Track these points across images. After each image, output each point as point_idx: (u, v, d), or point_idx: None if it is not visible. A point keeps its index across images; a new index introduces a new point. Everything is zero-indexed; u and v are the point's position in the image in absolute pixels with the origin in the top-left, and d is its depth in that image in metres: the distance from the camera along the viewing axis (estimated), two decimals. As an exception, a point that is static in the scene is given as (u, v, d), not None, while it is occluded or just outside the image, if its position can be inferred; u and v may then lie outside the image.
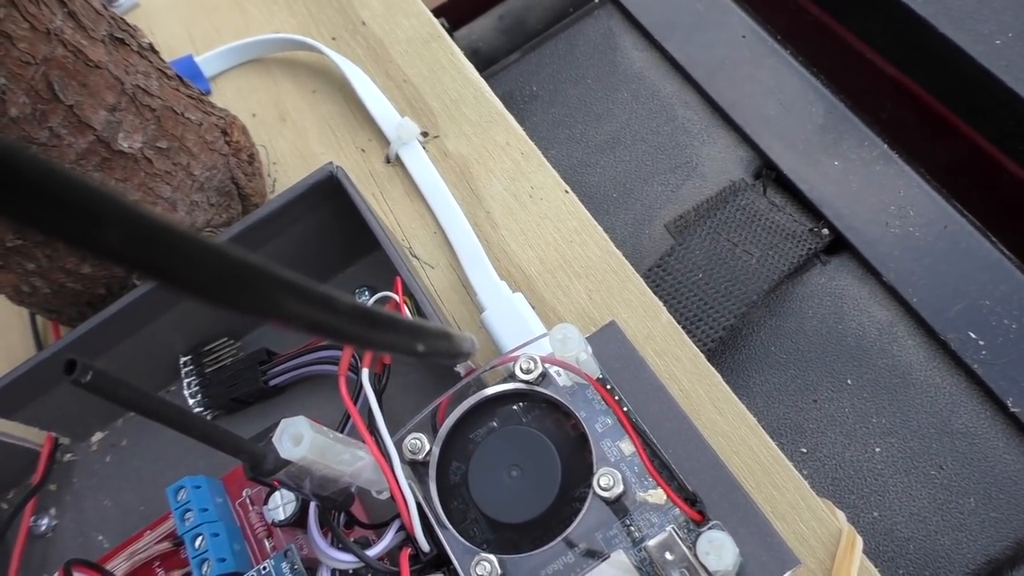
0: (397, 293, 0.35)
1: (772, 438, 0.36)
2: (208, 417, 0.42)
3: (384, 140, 0.47)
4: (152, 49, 0.41)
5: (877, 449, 0.43)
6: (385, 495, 0.33)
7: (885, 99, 0.54)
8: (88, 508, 0.42)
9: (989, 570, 0.40)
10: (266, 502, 0.34)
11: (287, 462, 0.27)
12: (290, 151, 0.49)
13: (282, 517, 0.34)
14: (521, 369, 0.33)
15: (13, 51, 0.31)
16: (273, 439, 0.27)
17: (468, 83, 0.48)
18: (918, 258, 0.46)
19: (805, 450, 0.44)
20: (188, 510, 0.36)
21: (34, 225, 0.11)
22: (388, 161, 0.47)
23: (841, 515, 0.34)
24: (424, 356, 0.24)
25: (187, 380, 0.42)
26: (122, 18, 0.39)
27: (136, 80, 0.38)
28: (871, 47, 0.55)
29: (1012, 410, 0.42)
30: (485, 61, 0.67)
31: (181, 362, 0.43)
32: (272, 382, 0.40)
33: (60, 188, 0.11)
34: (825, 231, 0.48)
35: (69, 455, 0.44)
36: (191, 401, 0.42)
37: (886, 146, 0.49)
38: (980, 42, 0.49)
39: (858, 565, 0.31)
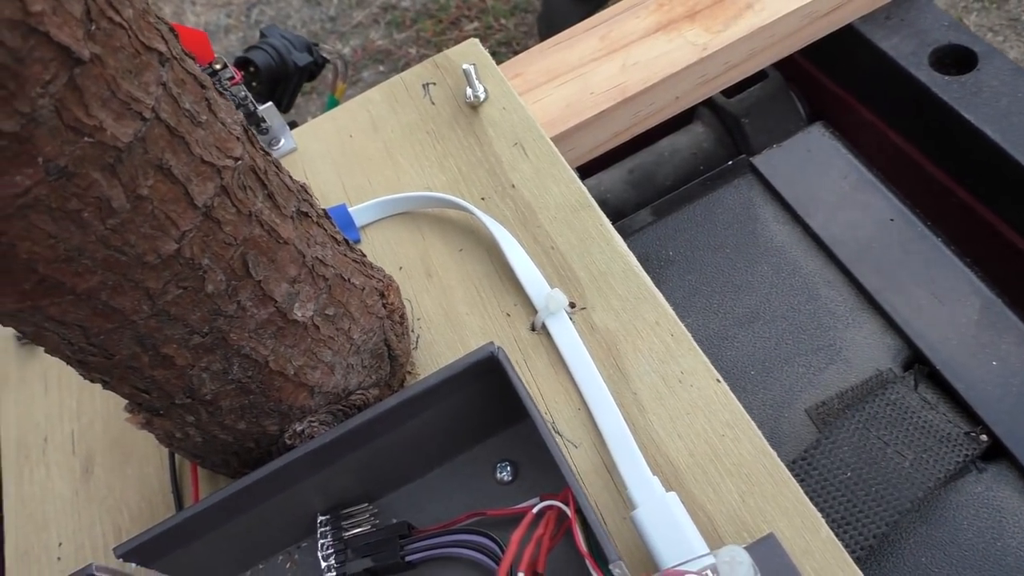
0: (569, 506, 0.34)
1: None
2: (338, 583, 0.41)
3: (529, 305, 0.48)
4: (326, 215, 0.42)
5: None
6: None
7: (1040, 293, 0.52)
8: (210, 665, 0.42)
9: None
10: None
11: None
12: (435, 308, 0.50)
13: None
14: (686, 592, 0.32)
15: (219, 234, 0.33)
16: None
17: (617, 256, 0.48)
18: (1088, 476, 0.43)
19: None
20: None
21: None
22: (533, 329, 0.47)
23: None
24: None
25: (322, 541, 0.42)
26: (302, 187, 0.41)
27: (315, 252, 0.39)
28: (1025, 238, 0.54)
29: None
30: (614, 213, 0.68)
31: (319, 520, 0.42)
32: (409, 558, 0.40)
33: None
34: (983, 437, 0.46)
35: (195, 604, 0.44)
36: (324, 564, 0.41)
37: (1049, 349, 0.47)
38: None
39: None
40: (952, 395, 0.47)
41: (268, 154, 0.37)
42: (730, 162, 0.64)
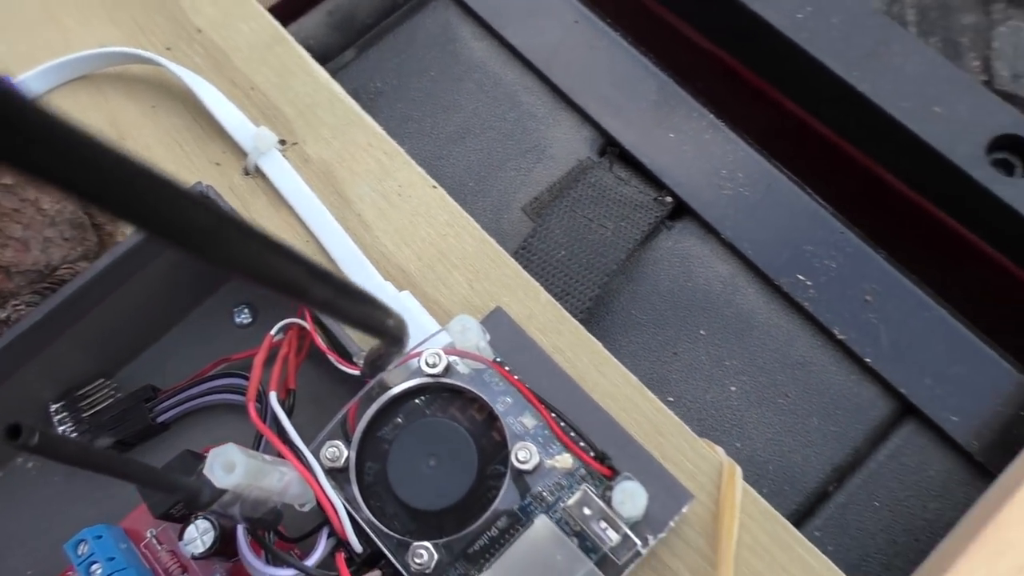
0: (307, 320, 0.35)
1: (644, 393, 0.40)
2: (92, 460, 0.40)
3: (239, 152, 0.46)
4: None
5: (732, 388, 0.49)
6: (308, 507, 0.33)
7: (704, 71, 0.60)
8: (-33, 579, 0.39)
9: (835, 476, 0.47)
10: (181, 537, 0.34)
11: (223, 492, 0.28)
12: (137, 172, 0.47)
13: (202, 549, 0.33)
14: (427, 364, 0.35)
15: None
16: (204, 470, 0.27)
17: (320, 86, 0.48)
18: (750, 215, 0.52)
19: (672, 399, 0.48)
20: (94, 562, 0.35)
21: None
22: (247, 173, 0.46)
23: (720, 450, 0.38)
24: (386, 333, 0.26)
25: (61, 428, 0.40)
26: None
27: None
28: (689, 24, 0.60)
29: (839, 337, 0.49)
30: (318, 59, 0.66)
31: (52, 410, 0.40)
32: (160, 418, 0.39)
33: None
34: (668, 199, 0.52)
35: (-67, 525, 0.40)
36: (71, 446, 0.39)
37: (712, 116, 0.55)
38: (784, 16, 0.55)
39: (740, 490, 0.36)
40: (640, 169, 0.54)
41: None
42: (427, -10, 0.64)
